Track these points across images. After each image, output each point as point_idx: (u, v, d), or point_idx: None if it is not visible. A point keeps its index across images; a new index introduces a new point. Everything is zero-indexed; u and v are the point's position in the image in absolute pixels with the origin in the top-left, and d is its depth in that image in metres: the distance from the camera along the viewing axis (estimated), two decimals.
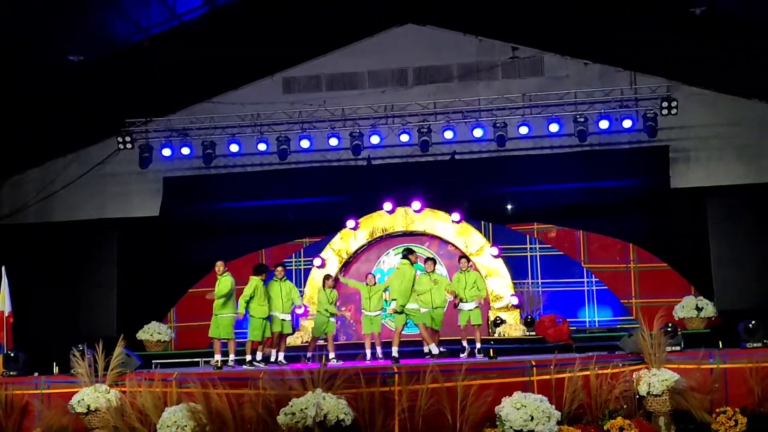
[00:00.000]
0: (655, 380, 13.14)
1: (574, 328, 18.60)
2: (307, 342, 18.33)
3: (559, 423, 12.74)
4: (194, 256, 20.53)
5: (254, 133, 20.70)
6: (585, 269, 19.62)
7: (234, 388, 13.52)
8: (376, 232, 19.93)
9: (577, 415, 13.12)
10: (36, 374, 15.42)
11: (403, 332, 16.40)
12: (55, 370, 15.55)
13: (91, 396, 14.09)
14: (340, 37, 21.07)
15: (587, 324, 19.39)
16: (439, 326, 16.17)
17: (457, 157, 20.81)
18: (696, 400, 13.15)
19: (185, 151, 20.87)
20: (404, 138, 20.32)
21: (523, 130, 19.85)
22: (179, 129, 20.96)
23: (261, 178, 21.32)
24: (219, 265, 16.23)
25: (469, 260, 17.07)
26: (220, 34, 19.10)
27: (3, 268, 16.97)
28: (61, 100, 19.30)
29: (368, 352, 16.50)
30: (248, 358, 15.89)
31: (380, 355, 16.38)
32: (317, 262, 19.82)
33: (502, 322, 18.73)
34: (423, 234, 19.83)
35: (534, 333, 18.27)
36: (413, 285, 16.01)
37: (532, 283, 19.58)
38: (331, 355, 16.51)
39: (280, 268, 16.66)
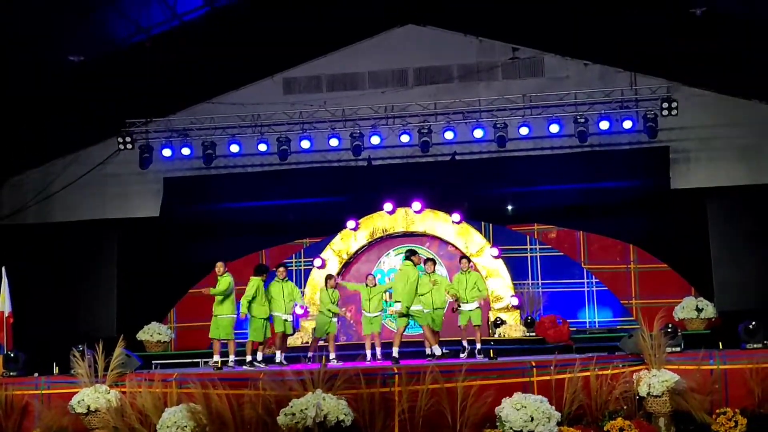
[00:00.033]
0: (655, 381, 13.14)
1: (575, 328, 18.60)
2: (307, 343, 18.36)
3: (559, 424, 12.73)
4: (194, 256, 20.52)
5: (254, 133, 20.71)
6: (585, 270, 19.62)
7: (234, 388, 13.52)
8: (377, 233, 19.93)
9: (577, 416, 13.12)
10: (36, 375, 15.42)
11: (404, 333, 16.38)
12: (55, 370, 15.54)
13: (91, 396, 14.09)
14: (340, 37, 21.07)
15: (587, 325, 19.39)
16: (438, 327, 16.16)
17: (457, 157, 20.81)
18: (696, 401, 13.15)
19: (185, 151, 20.87)
20: (405, 138, 20.32)
21: (524, 130, 19.85)
22: (179, 129, 20.96)
23: (261, 179, 21.32)
24: (219, 266, 16.24)
25: (469, 261, 17.08)
26: (221, 35, 19.12)
27: (3, 269, 16.96)
28: (62, 100, 19.31)
29: (368, 352, 16.50)
30: (248, 358, 15.89)
31: (379, 356, 16.37)
32: (317, 262, 19.82)
33: (503, 322, 18.73)
34: (423, 235, 19.83)
35: (534, 334, 18.28)
36: (417, 286, 15.95)
37: (532, 283, 19.58)
38: (332, 355, 16.52)
39: (281, 269, 16.65)
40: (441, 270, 18.59)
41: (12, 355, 15.88)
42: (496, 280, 19.09)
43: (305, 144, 20.50)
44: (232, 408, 13.26)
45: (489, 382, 13.21)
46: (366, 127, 20.40)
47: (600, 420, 13.05)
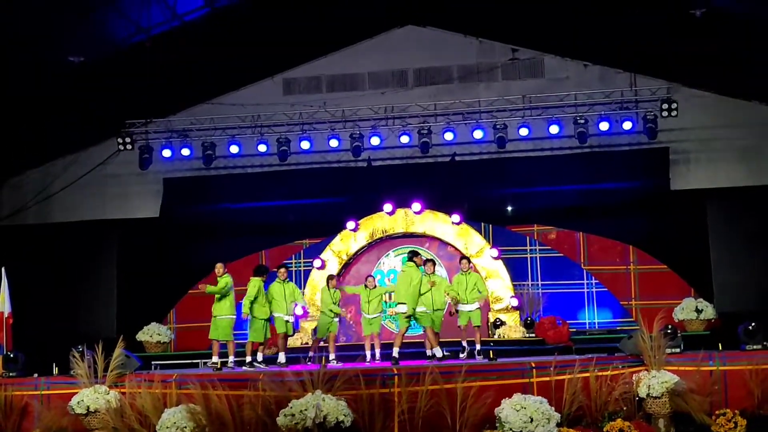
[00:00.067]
0: (655, 382, 13.14)
1: (574, 329, 18.61)
2: (306, 343, 18.36)
3: (558, 425, 12.74)
4: (194, 257, 20.53)
5: (254, 134, 20.70)
6: (585, 271, 19.62)
7: (234, 389, 13.53)
8: (376, 234, 19.93)
9: (576, 417, 13.12)
10: (35, 375, 15.42)
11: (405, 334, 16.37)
12: (55, 371, 15.55)
13: (91, 397, 14.10)
14: (340, 38, 21.07)
15: (587, 326, 19.41)
16: (438, 328, 16.14)
17: (457, 158, 20.81)
18: (696, 402, 13.15)
19: (185, 152, 20.87)
20: (404, 139, 20.32)
21: (523, 131, 19.86)
22: (179, 130, 20.96)
23: (261, 180, 21.32)
24: (219, 267, 16.25)
25: (469, 261, 17.07)
26: (221, 35, 19.12)
27: (3, 269, 16.96)
28: (62, 100, 19.30)
29: (368, 353, 16.50)
30: (248, 359, 15.89)
31: (378, 358, 16.34)
32: (317, 263, 19.82)
33: (502, 323, 18.73)
34: (423, 235, 19.83)
35: (534, 335, 18.28)
36: (420, 288, 15.90)
37: (532, 284, 19.59)
38: (332, 356, 16.52)
39: (282, 270, 16.64)
40: (441, 271, 18.59)
41: (12, 355, 15.89)
42: (496, 281, 19.10)
43: (305, 145, 20.50)
44: (232, 409, 13.27)
45: (488, 383, 13.21)
46: (366, 127, 20.40)
47: (599, 421, 13.06)
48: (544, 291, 19.49)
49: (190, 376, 14.04)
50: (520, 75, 21.04)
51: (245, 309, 15.88)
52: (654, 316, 14.01)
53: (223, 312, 15.99)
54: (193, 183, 21.52)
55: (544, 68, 21.01)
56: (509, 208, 20.74)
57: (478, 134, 20.01)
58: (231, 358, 16.02)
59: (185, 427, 13.16)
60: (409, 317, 15.68)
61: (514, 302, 19.03)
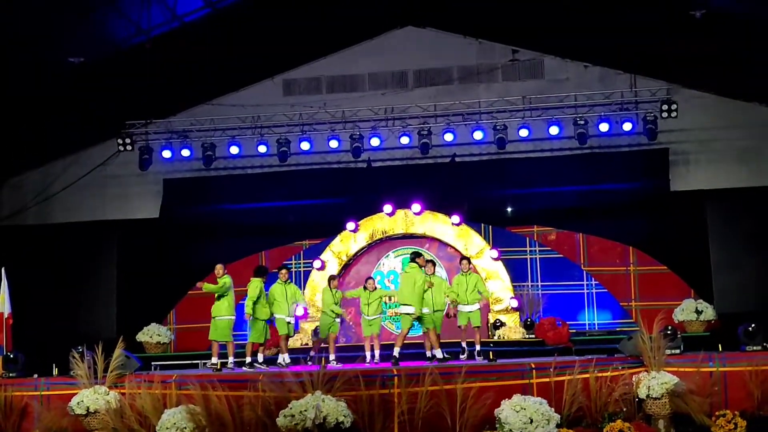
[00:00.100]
0: (655, 383, 13.14)
1: (574, 330, 18.60)
2: (306, 344, 18.37)
3: (558, 426, 12.75)
4: (194, 257, 20.51)
5: (254, 134, 20.70)
6: (585, 272, 19.62)
7: (233, 390, 13.53)
8: (376, 235, 19.93)
9: (576, 418, 13.12)
10: (35, 376, 15.41)
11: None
12: (55, 371, 15.53)
13: (91, 398, 14.09)
14: (340, 39, 21.08)
15: (587, 327, 19.40)
16: (439, 329, 16.13)
17: (457, 159, 20.82)
18: (695, 403, 13.16)
19: (185, 152, 20.87)
20: (404, 140, 20.32)
21: (523, 132, 19.87)
22: (179, 131, 20.96)
23: (261, 180, 21.32)
24: (218, 268, 16.25)
25: (470, 262, 17.03)
26: (221, 36, 19.12)
27: (3, 270, 16.95)
28: (61, 101, 19.30)
29: (368, 354, 16.49)
30: (248, 359, 15.88)
31: (377, 359, 16.31)
32: (317, 264, 19.82)
33: (502, 324, 18.74)
34: (423, 236, 19.82)
35: (533, 336, 18.28)
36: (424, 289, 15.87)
37: (531, 285, 19.59)
38: (332, 356, 16.50)
39: (284, 271, 16.61)
40: (441, 272, 18.56)
41: (11, 356, 15.89)
42: (496, 282, 19.09)
43: (305, 145, 20.50)
44: (232, 409, 13.27)
45: (488, 384, 13.21)
46: (366, 128, 20.41)
47: (599, 422, 13.06)
48: (544, 292, 19.49)
49: (190, 376, 14.04)
50: (520, 76, 21.05)
51: (248, 310, 15.87)
52: (654, 317, 14.01)
53: (222, 313, 15.99)
54: (193, 184, 21.53)
55: (544, 69, 21.02)
56: (509, 209, 20.75)
57: (478, 135, 20.02)
58: (231, 359, 16.02)
59: (185, 428, 13.16)
60: (418, 318, 15.63)
61: (514, 303, 19.03)
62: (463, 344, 16.19)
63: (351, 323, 18.37)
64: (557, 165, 20.43)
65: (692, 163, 20.28)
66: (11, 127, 19.58)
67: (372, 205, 20.00)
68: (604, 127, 19.66)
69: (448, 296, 16.16)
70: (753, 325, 14.73)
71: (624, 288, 19.53)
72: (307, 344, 18.51)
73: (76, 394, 14.26)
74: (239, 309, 16.75)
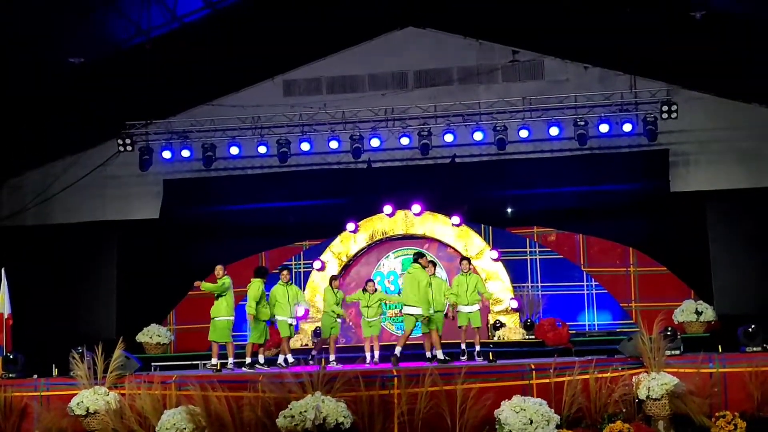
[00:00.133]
0: (655, 384, 13.14)
1: (574, 331, 18.59)
2: (306, 345, 18.38)
3: (558, 427, 12.75)
4: (194, 258, 20.50)
5: (254, 135, 20.70)
6: (585, 273, 19.62)
7: (233, 390, 13.54)
8: (376, 235, 19.94)
9: (576, 419, 13.12)
10: (35, 376, 15.42)
11: (399, 335, 16.34)
12: (55, 372, 15.53)
13: (90, 398, 14.09)
14: (340, 39, 21.08)
15: (587, 327, 19.40)
16: (440, 330, 16.11)
17: (457, 160, 20.81)
18: (695, 404, 13.16)
19: (185, 153, 20.87)
20: (404, 141, 20.31)
21: (523, 133, 19.86)
22: (179, 131, 20.96)
23: (261, 181, 21.31)
24: (218, 270, 16.27)
25: (470, 262, 17.02)
26: (221, 37, 19.13)
27: (3, 270, 16.97)
28: (62, 101, 19.31)
29: (368, 355, 16.48)
30: (247, 360, 15.88)
31: (377, 360, 16.29)
32: (317, 264, 19.83)
33: (502, 325, 18.74)
34: (423, 237, 19.83)
35: (533, 336, 18.28)
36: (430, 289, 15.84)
37: (531, 286, 19.59)
38: (332, 357, 16.50)
39: (285, 272, 16.60)
40: (441, 272, 18.56)
41: (11, 356, 15.88)
42: (496, 283, 19.09)
43: (305, 146, 20.50)
44: (232, 410, 13.27)
45: (488, 384, 13.22)
46: (366, 129, 20.40)
47: (599, 423, 13.06)
48: (543, 293, 19.49)
49: (190, 377, 14.05)
50: (520, 77, 21.05)
51: (251, 311, 15.87)
52: (654, 318, 14.02)
53: (221, 313, 16.00)
54: (193, 184, 21.52)
55: (544, 70, 21.01)
56: (509, 210, 20.73)
57: (478, 136, 20.02)
58: (230, 360, 16.02)
59: (185, 429, 13.16)
60: (426, 318, 15.58)
61: (514, 304, 19.03)
62: (463, 346, 16.18)
63: (351, 324, 18.37)
64: (557, 166, 20.42)
65: (692, 164, 20.28)
66: (11, 128, 19.59)
67: (372, 206, 20.01)
68: (604, 128, 19.66)
69: (447, 299, 16.16)
70: (753, 326, 14.73)
71: (624, 289, 19.52)
72: (306, 345, 18.52)
73: (75, 394, 14.26)
74: (239, 310, 16.77)
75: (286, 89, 21.66)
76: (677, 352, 14.12)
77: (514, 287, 19.24)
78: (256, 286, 16.02)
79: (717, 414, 13.06)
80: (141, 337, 19.45)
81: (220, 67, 19.86)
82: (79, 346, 14.74)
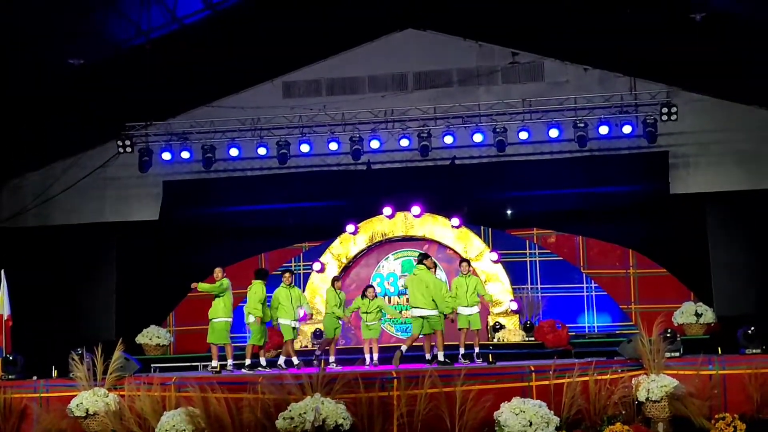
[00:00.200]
0: (654, 386, 13.14)
1: (574, 333, 18.60)
2: (306, 346, 18.38)
3: (557, 428, 12.74)
4: (194, 260, 20.47)
5: (254, 137, 20.70)
6: (584, 275, 19.63)
7: (233, 392, 13.52)
8: (376, 237, 19.95)
9: (575, 421, 13.11)
10: (35, 378, 15.41)
11: (399, 337, 16.33)
12: (54, 373, 15.52)
13: (90, 400, 14.09)
14: (340, 41, 21.09)
15: (586, 329, 19.41)
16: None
17: (456, 162, 20.81)
18: (695, 406, 13.14)
19: (185, 155, 20.87)
20: (404, 143, 20.31)
21: (523, 135, 19.86)
22: (179, 133, 20.96)
23: (261, 183, 21.32)
24: (217, 272, 16.28)
25: (469, 264, 16.99)
26: (221, 38, 19.13)
27: (2, 272, 16.96)
28: (61, 103, 19.30)
29: (367, 356, 16.46)
30: (247, 362, 15.87)
31: (376, 362, 16.28)
32: (317, 266, 19.83)
33: (502, 327, 18.74)
34: (422, 239, 19.83)
35: (533, 338, 18.29)
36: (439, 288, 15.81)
37: (531, 288, 19.60)
38: (331, 359, 16.50)
39: (288, 274, 16.57)
40: (440, 274, 18.53)
41: (11, 358, 15.87)
42: (495, 285, 19.10)
43: (305, 148, 20.49)
44: (231, 412, 13.25)
45: (488, 386, 13.21)
46: (365, 131, 20.40)
47: (599, 425, 13.05)
48: (543, 295, 19.50)
49: (189, 378, 14.04)
50: (520, 78, 21.05)
51: (258, 313, 15.88)
52: (653, 320, 13.99)
53: (219, 315, 16.02)
54: (193, 186, 21.52)
55: (544, 72, 21.02)
56: (509, 212, 20.72)
57: (477, 138, 20.02)
58: (229, 361, 16.03)
59: (184, 430, 13.14)
60: (446, 317, 15.57)
61: (514, 306, 19.04)
62: (461, 350, 16.12)
63: (351, 325, 18.37)
64: (557, 168, 20.41)
65: (692, 166, 20.28)
66: (11, 129, 19.59)
67: (372, 208, 20.01)
68: (603, 129, 19.65)
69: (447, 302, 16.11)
70: (752, 328, 14.72)
71: (623, 291, 19.52)
72: (306, 347, 18.51)
73: (75, 396, 14.24)
74: (237, 311, 16.77)
75: (286, 91, 21.67)
76: (677, 354, 14.11)
77: (513, 289, 19.25)
78: (259, 288, 16.03)
79: (716, 416, 13.05)
80: (140, 339, 19.44)
81: (219, 68, 19.86)
82: (78, 348, 14.72)
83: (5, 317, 16.74)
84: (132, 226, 21.50)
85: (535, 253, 19.82)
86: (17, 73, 18.11)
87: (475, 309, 16.21)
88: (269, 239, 20.90)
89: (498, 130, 19.94)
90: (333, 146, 20.51)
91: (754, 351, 14.45)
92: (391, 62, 21.29)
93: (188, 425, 13.16)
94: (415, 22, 21.23)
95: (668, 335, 14.07)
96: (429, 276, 15.58)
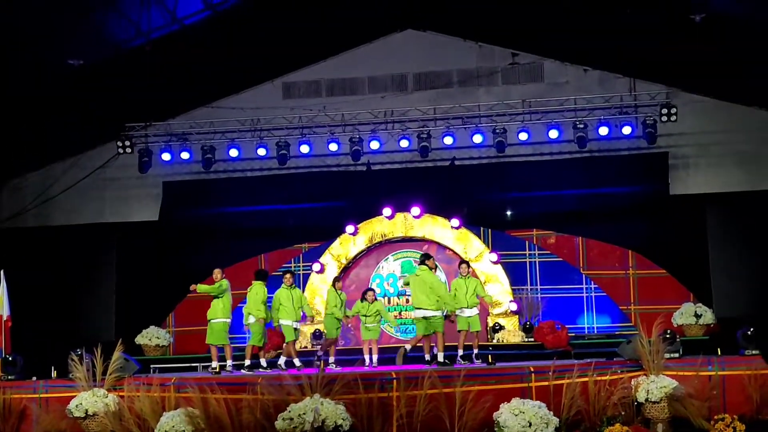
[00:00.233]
0: (654, 387, 13.14)
1: (573, 334, 18.59)
2: (305, 347, 18.36)
3: (557, 429, 12.75)
4: (193, 260, 20.47)
5: (254, 137, 20.69)
6: (584, 276, 19.61)
7: (232, 393, 13.53)
8: (376, 238, 19.94)
9: (575, 422, 13.12)
10: (34, 378, 15.41)
11: (399, 338, 16.32)
12: (54, 374, 15.53)
13: (89, 400, 14.09)
14: (340, 42, 21.08)
15: (586, 330, 19.40)
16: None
17: (456, 162, 20.81)
18: (694, 407, 13.15)
19: (185, 155, 20.86)
20: (404, 143, 20.30)
21: (523, 136, 19.85)
22: (179, 133, 20.94)
23: (260, 183, 21.31)
24: (217, 273, 16.29)
25: (469, 266, 17.00)
26: (221, 39, 19.13)
27: (2, 272, 16.96)
28: (61, 103, 19.31)
29: (367, 357, 16.46)
30: (246, 362, 15.87)
31: (375, 363, 16.27)
32: (316, 267, 19.82)
33: (501, 328, 18.73)
34: (422, 240, 19.83)
35: (533, 339, 18.29)
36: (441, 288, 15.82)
37: (531, 289, 19.58)
38: (331, 359, 16.49)
39: (288, 275, 16.56)
40: (440, 275, 18.51)
41: (10, 358, 15.89)
42: (495, 286, 19.09)
43: (304, 149, 20.47)
44: (230, 412, 13.26)
45: (487, 387, 13.22)
46: (365, 131, 20.39)
47: (598, 425, 13.06)
48: (543, 295, 19.48)
49: (189, 379, 14.05)
50: (519, 79, 21.05)
51: (261, 314, 15.89)
52: (653, 321, 14.01)
53: (217, 315, 16.03)
54: (193, 186, 21.51)
55: (544, 73, 21.00)
56: (508, 213, 20.70)
57: (477, 138, 20.00)
58: (229, 362, 16.03)
59: (183, 431, 13.15)
60: (447, 317, 15.58)
61: (513, 307, 19.03)
62: (460, 351, 16.12)
63: (350, 326, 18.37)
64: (557, 168, 20.41)
65: (692, 167, 20.27)
66: (11, 129, 19.59)
67: (371, 209, 20.00)
68: (603, 130, 19.63)
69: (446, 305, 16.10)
70: (752, 329, 14.72)
71: (623, 292, 19.50)
72: (306, 347, 18.51)
73: (74, 396, 14.26)
74: (237, 312, 16.77)
75: (286, 91, 21.66)
76: (676, 355, 14.12)
77: (513, 290, 19.24)
78: (260, 289, 16.04)
79: (716, 417, 13.06)
80: (140, 339, 19.44)
81: (219, 69, 19.86)
82: (78, 348, 14.74)
83: (5, 318, 16.75)
84: (132, 227, 21.49)
85: (534, 254, 19.81)
86: (17, 73, 18.11)
87: (475, 311, 16.22)
88: (269, 240, 20.88)
89: (498, 130, 19.93)
90: (333, 147, 20.50)
91: (753, 352, 14.43)
92: (391, 63, 21.28)
93: (187, 426, 13.16)
94: (415, 22, 21.23)
95: (668, 336, 14.08)
96: (431, 276, 15.60)
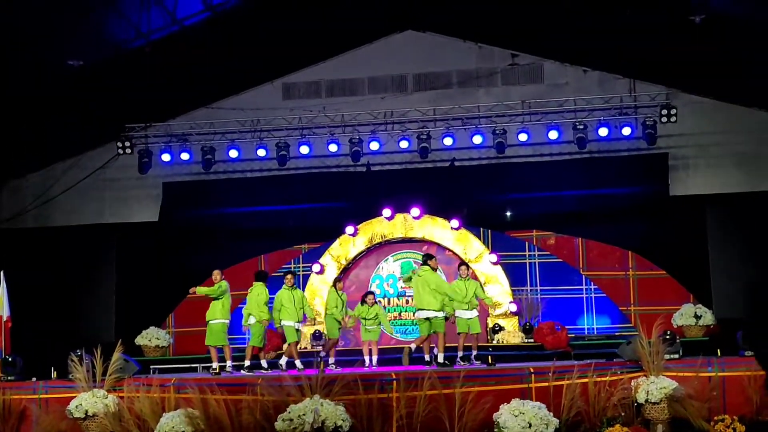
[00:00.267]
0: (654, 388, 13.14)
1: (573, 335, 18.60)
2: (305, 348, 18.36)
3: (557, 430, 12.75)
4: (193, 261, 20.47)
5: (254, 138, 20.68)
6: (584, 276, 19.61)
7: (232, 394, 13.53)
8: (375, 239, 19.93)
9: (575, 423, 13.13)
10: (34, 379, 15.42)
11: (398, 338, 16.31)
12: (53, 375, 15.54)
13: (89, 401, 14.09)
14: (340, 43, 21.08)
15: (586, 331, 19.38)
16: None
17: (456, 163, 20.81)
18: (694, 408, 13.15)
19: (185, 156, 20.85)
20: (403, 144, 20.30)
21: (523, 137, 19.85)
22: (179, 134, 20.94)
23: (260, 184, 21.30)
24: (216, 274, 16.29)
25: (468, 268, 17.02)
26: (221, 40, 19.13)
27: (2, 273, 16.96)
28: (61, 104, 19.31)
29: (367, 358, 16.46)
30: (246, 363, 15.87)
31: (375, 364, 16.26)
32: (316, 268, 19.81)
33: (501, 328, 18.73)
34: (422, 240, 19.82)
35: (532, 340, 18.29)
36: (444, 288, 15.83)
37: (531, 290, 19.57)
38: (331, 360, 16.50)
39: (290, 276, 16.56)
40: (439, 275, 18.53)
41: (10, 359, 15.89)
42: (495, 287, 19.08)
43: (304, 149, 20.46)
44: (230, 413, 13.27)
45: (487, 388, 13.22)
46: (365, 132, 20.39)
47: (598, 426, 13.06)
48: (543, 296, 19.48)
49: (189, 380, 14.05)
50: (519, 80, 21.05)
51: (263, 314, 15.89)
52: (653, 322, 14.02)
53: (216, 316, 16.03)
54: (193, 187, 21.51)
55: (544, 74, 21.00)
56: (508, 214, 20.69)
57: (477, 139, 19.99)
58: (229, 363, 16.03)
59: None
60: (447, 318, 15.59)
61: (513, 307, 19.02)
62: (459, 353, 16.12)
63: (351, 327, 18.35)
64: (556, 169, 20.40)
65: (691, 168, 20.27)
66: (11, 130, 19.59)
67: (371, 209, 19.99)
68: (603, 131, 19.63)
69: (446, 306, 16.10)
70: (748, 331, 14.72)
71: (623, 293, 19.50)
72: (305, 348, 18.50)
73: (74, 397, 14.26)
74: (236, 313, 16.76)
75: (286, 92, 21.66)
76: (676, 356, 14.13)
77: (513, 291, 19.23)
78: (261, 290, 16.04)
79: (716, 418, 13.07)
80: (140, 340, 19.44)
81: (219, 69, 19.86)
82: (78, 349, 14.75)
83: (5, 318, 16.75)
84: (132, 228, 21.49)
85: (534, 255, 19.81)
86: (17, 73, 18.11)
87: (474, 313, 16.21)
88: (269, 241, 20.87)
89: (497, 131, 19.93)
90: (332, 148, 20.49)
91: (751, 353, 14.44)
92: (391, 64, 21.28)
93: (187, 427, 13.17)
94: (415, 23, 21.23)
95: (667, 337, 14.09)
96: (434, 276, 15.60)
